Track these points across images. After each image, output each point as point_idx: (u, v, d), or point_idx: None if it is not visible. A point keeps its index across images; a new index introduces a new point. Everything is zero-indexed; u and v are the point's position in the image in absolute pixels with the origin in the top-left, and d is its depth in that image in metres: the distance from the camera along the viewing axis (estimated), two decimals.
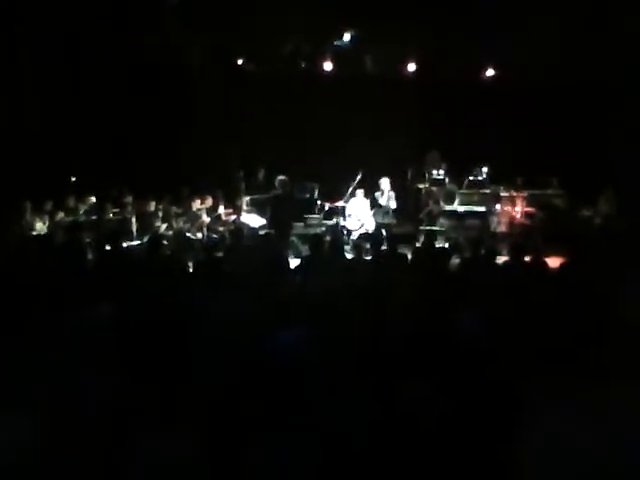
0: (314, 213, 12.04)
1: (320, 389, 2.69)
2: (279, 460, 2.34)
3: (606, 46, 10.96)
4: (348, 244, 10.68)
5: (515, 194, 12.02)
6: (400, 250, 7.40)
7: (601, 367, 2.42)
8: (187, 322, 3.66)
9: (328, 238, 8.75)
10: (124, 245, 9.07)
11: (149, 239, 7.53)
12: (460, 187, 12.23)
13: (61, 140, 12.24)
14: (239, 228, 10.46)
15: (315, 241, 7.01)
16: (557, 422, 2.10)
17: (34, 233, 9.82)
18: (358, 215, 11.69)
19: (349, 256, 7.81)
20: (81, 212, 10.92)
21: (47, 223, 10.27)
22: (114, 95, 12.87)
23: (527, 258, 6.14)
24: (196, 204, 11.33)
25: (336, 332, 3.31)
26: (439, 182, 12.49)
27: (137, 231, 10.47)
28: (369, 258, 7.09)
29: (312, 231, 10.99)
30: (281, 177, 10.91)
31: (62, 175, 12.27)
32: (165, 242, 9.61)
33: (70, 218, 10.53)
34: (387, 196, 11.63)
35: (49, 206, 10.61)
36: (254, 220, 11.28)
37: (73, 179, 12.49)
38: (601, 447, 2.03)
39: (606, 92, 11.89)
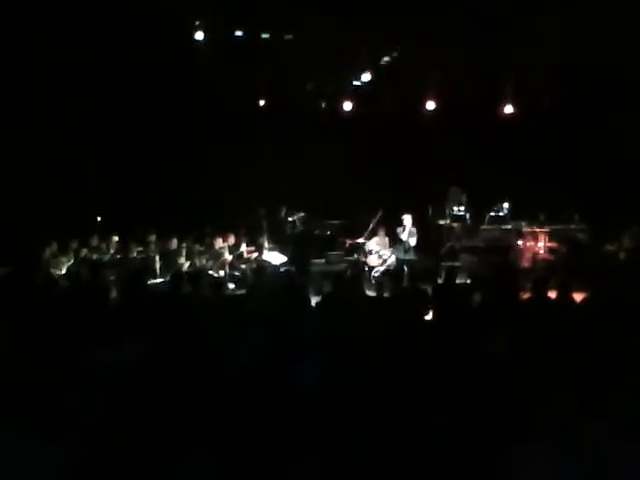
0: (335, 250, 12.07)
1: (342, 423, 2.69)
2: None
3: (630, 76, 10.97)
4: (369, 281, 10.67)
5: (537, 229, 11.95)
6: (421, 286, 7.38)
7: (623, 404, 2.40)
8: (210, 359, 3.69)
9: (349, 275, 8.76)
10: (148, 283, 9.16)
11: (171, 276, 7.60)
12: (482, 223, 12.21)
13: (86, 180, 12.49)
14: (261, 266, 10.53)
15: (336, 278, 7.02)
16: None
17: (59, 272, 9.97)
18: (379, 252, 11.70)
19: (370, 293, 7.80)
20: (105, 251, 11.07)
21: (72, 262, 10.42)
22: (139, 136, 13.15)
23: (550, 294, 6.09)
24: (218, 242, 11.44)
25: (357, 368, 3.31)
26: (460, 218, 12.49)
27: (160, 269, 10.57)
28: (390, 294, 7.07)
29: (333, 268, 11.02)
30: (301, 214, 11.02)
31: (87, 215, 12.49)
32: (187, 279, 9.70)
33: (95, 256, 10.68)
34: (408, 232, 11.63)
35: (74, 245, 10.77)
36: (276, 258, 11.34)
37: (98, 219, 12.70)
38: None
39: (630, 126, 11.86)
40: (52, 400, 2.73)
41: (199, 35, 11.41)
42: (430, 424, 2.67)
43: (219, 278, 10.61)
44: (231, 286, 10.73)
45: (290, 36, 11.57)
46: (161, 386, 3.05)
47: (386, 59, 12.75)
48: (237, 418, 2.73)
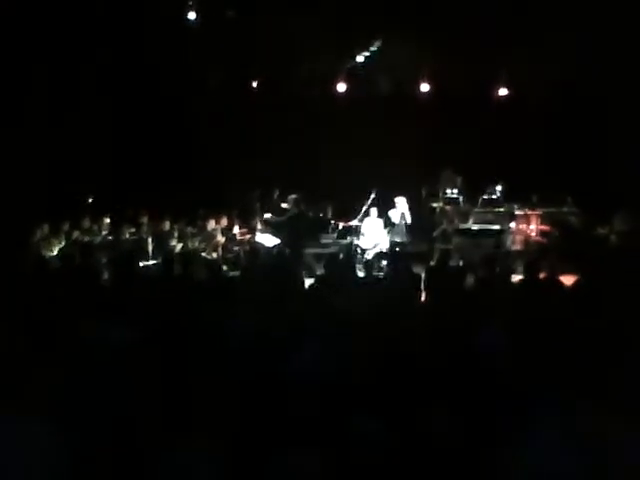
0: (328, 232, 12.06)
1: (334, 405, 2.70)
2: (294, 476, 2.35)
3: (623, 61, 10.96)
4: (362, 263, 10.68)
5: (530, 212, 11.98)
6: (414, 269, 7.39)
7: (614, 388, 2.41)
8: (203, 341, 3.68)
9: (342, 257, 8.76)
10: (140, 265, 9.13)
11: (163, 259, 7.58)
12: (474, 205, 12.21)
13: (77, 161, 12.41)
14: (254, 248, 10.51)
15: (329, 260, 7.02)
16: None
17: (51, 254, 9.92)
18: (372, 234, 11.69)
19: (362, 274, 7.81)
20: (97, 232, 11.02)
21: (63, 243, 10.36)
22: (130, 117, 13.06)
23: (542, 276, 6.11)
24: (211, 224, 11.41)
25: (350, 350, 3.32)
26: (453, 201, 12.49)
27: (152, 251, 10.54)
28: (382, 276, 7.09)
29: (326, 250, 11.02)
30: (293, 196, 10.97)
31: (78, 196, 12.42)
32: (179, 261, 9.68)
33: (87, 238, 10.63)
34: (401, 215, 11.63)
35: (66, 227, 10.72)
36: (269, 240, 11.33)
37: (90, 200, 12.63)
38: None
39: (623, 109, 11.85)
40: (43, 384, 2.72)
41: (191, 15, 11.30)
42: (429, 412, 2.68)
43: (214, 261, 10.60)
44: (224, 268, 10.72)
45: (283, 17, 11.45)
46: (154, 371, 3.05)
47: (380, 41, 12.67)
48: (233, 405, 2.73)
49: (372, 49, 12.82)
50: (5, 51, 10.40)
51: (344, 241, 11.81)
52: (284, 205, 11.80)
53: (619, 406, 2.23)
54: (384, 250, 11.35)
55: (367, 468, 2.43)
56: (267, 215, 11.90)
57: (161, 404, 2.78)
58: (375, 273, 7.33)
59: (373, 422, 2.59)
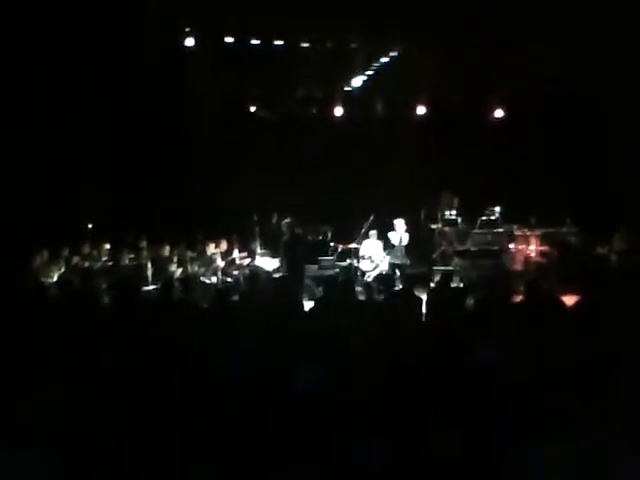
0: (327, 255, 12.07)
1: (334, 428, 2.68)
2: None
3: (622, 80, 11.03)
4: (362, 285, 10.66)
5: (529, 233, 11.99)
6: (414, 290, 7.38)
7: (615, 406, 2.40)
8: (202, 366, 3.66)
9: (341, 279, 8.75)
10: (141, 290, 9.11)
11: (162, 284, 7.56)
12: (473, 227, 12.24)
13: (77, 187, 12.45)
14: (253, 272, 10.50)
15: (328, 283, 7.01)
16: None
17: (50, 280, 9.90)
18: (371, 256, 11.70)
19: (362, 297, 7.79)
20: (97, 258, 11.00)
21: (63, 269, 10.35)
22: (129, 142, 13.12)
23: (542, 296, 6.09)
24: (210, 248, 11.41)
25: (351, 372, 3.30)
26: (452, 222, 12.51)
27: (152, 276, 10.52)
28: (382, 298, 7.07)
29: (326, 273, 11.01)
30: (287, 220, 11.00)
31: (78, 222, 12.44)
32: (179, 286, 9.66)
33: (87, 264, 10.62)
34: (400, 237, 11.64)
35: (65, 252, 10.71)
36: (268, 263, 11.32)
37: (89, 225, 12.65)
38: None
39: (621, 128, 11.92)
40: (41, 410, 2.71)
41: (189, 41, 11.42)
42: (429, 429, 2.67)
43: (219, 285, 10.58)
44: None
45: (281, 42, 11.58)
46: (154, 397, 3.03)
47: (376, 65, 12.80)
48: (234, 427, 2.72)
49: (368, 72, 12.93)
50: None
51: (343, 263, 11.81)
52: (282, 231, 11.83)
53: (619, 424, 2.22)
54: (384, 272, 11.34)
55: None
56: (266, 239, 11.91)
57: (162, 429, 2.76)
58: (375, 295, 7.30)
59: (375, 443, 2.57)
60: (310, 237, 12.14)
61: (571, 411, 2.32)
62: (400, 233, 11.64)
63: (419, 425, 2.76)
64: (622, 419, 2.27)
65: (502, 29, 10.29)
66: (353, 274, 11.21)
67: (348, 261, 11.79)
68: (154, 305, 7.08)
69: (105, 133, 12.93)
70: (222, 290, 7.76)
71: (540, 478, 2.10)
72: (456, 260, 11.80)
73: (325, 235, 12.47)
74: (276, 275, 10.77)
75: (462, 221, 12.50)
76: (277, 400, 2.94)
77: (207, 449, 2.54)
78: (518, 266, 11.77)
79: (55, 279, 9.97)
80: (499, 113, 13.40)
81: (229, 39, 11.63)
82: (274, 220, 12.74)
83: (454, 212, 12.61)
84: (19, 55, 10.54)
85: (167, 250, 11.24)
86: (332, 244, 12.17)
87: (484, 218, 12.24)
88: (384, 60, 12.52)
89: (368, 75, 13.08)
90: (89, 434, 2.71)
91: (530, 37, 10.44)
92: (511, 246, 11.95)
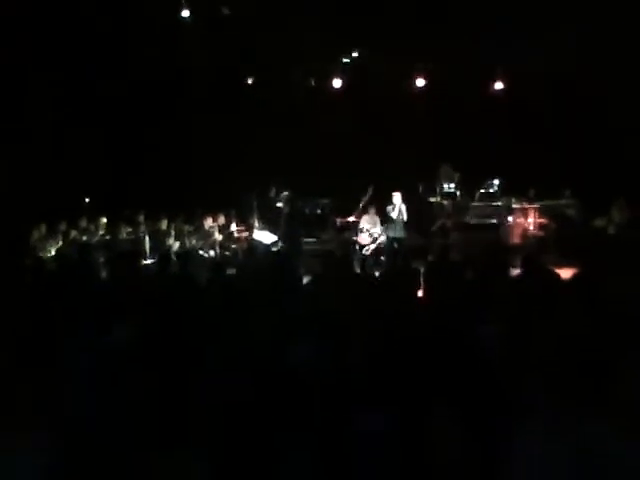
0: (326, 229, 12.05)
1: (331, 401, 2.69)
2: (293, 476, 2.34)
3: (620, 54, 10.95)
4: (360, 259, 10.67)
5: (527, 205, 11.97)
6: (413, 264, 7.38)
7: (612, 382, 2.40)
8: (200, 339, 3.67)
9: (340, 253, 8.74)
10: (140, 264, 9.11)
11: (159, 257, 7.56)
12: (472, 200, 12.21)
13: (74, 161, 12.38)
14: (251, 245, 10.49)
15: (326, 257, 7.00)
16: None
17: (48, 254, 9.90)
18: (370, 230, 11.67)
19: (360, 270, 7.80)
20: (94, 232, 10.99)
21: (61, 244, 10.35)
22: (127, 116, 13.03)
23: (540, 269, 6.09)
24: (208, 222, 11.38)
25: (348, 347, 3.31)
26: (451, 195, 12.48)
27: (150, 250, 10.52)
28: (380, 272, 7.08)
29: (324, 247, 11.00)
30: (285, 193, 10.95)
31: (75, 196, 12.40)
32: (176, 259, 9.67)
33: (84, 238, 10.61)
34: (398, 210, 11.59)
35: (63, 227, 10.70)
36: (266, 237, 11.31)
37: (87, 200, 12.62)
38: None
39: (618, 100, 11.84)
40: (38, 388, 2.71)
41: (185, 13, 11.30)
42: (428, 408, 2.68)
43: (217, 258, 10.57)
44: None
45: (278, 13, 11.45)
46: (151, 371, 3.04)
47: (375, 36, 12.64)
48: (231, 403, 2.72)
49: (368, 42, 12.79)
50: (5, 52, 10.38)
51: (342, 237, 11.79)
52: (279, 204, 11.80)
53: (619, 405, 2.22)
54: (382, 246, 11.34)
55: (367, 466, 2.42)
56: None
57: (160, 403, 2.77)
58: (374, 268, 7.33)
59: (373, 419, 2.58)
60: (308, 211, 12.11)
61: (569, 389, 2.32)
62: (398, 206, 11.58)
63: (417, 398, 2.77)
64: (622, 397, 2.27)
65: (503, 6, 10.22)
66: (351, 248, 11.20)
67: (346, 235, 11.78)
68: (152, 278, 7.09)
69: (103, 107, 12.83)
70: (219, 263, 7.74)
71: (536, 451, 2.11)
72: (454, 233, 11.79)
73: (324, 209, 12.45)
74: (274, 249, 10.76)
75: (461, 194, 12.47)
76: (274, 374, 2.94)
77: (204, 424, 2.55)
78: (517, 239, 11.77)
79: (53, 253, 9.98)
80: (499, 85, 13.29)
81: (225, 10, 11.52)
82: (272, 193, 12.69)
83: (453, 185, 12.57)
84: (18, 33, 10.45)
85: (165, 224, 11.23)
86: (330, 218, 12.15)
87: (483, 191, 12.21)
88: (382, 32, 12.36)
89: (366, 47, 12.94)
90: (87, 408, 2.72)
91: (531, 15, 10.36)
92: (510, 219, 11.93)
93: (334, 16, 11.38)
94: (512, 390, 2.69)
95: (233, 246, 11.38)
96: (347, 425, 2.66)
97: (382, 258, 10.34)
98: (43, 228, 10.43)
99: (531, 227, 11.87)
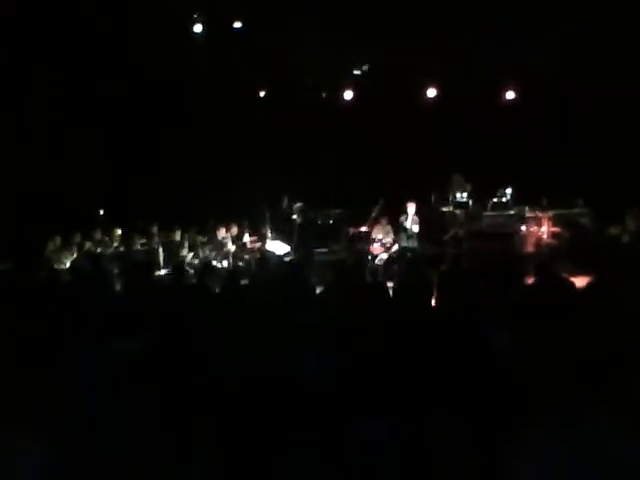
0: (338, 239, 12.05)
1: (345, 412, 2.69)
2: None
3: (633, 60, 10.91)
4: (373, 269, 10.65)
5: (540, 214, 11.92)
6: (426, 273, 7.35)
7: (624, 389, 2.39)
8: (213, 350, 3.68)
9: (352, 263, 8.73)
10: (154, 274, 9.16)
11: (173, 268, 7.60)
12: (485, 209, 12.17)
13: (89, 174, 12.49)
14: (264, 256, 10.51)
15: (339, 267, 7.00)
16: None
17: (63, 266, 9.97)
18: (382, 240, 11.66)
19: (372, 280, 7.79)
20: (109, 244, 11.07)
21: (75, 255, 10.42)
22: (140, 129, 13.13)
23: (554, 278, 6.06)
24: (221, 233, 11.43)
25: (360, 357, 3.31)
26: (463, 205, 12.45)
27: (164, 260, 10.57)
28: (394, 282, 7.06)
29: (336, 257, 11.00)
30: (299, 204, 10.97)
31: (90, 208, 12.50)
32: (191, 270, 9.72)
33: (99, 249, 10.69)
34: (411, 220, 11.57)
35: (78, 238, 10.78)
36: (279, 247, 11.33)
37: (101, 211, 12.72)
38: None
39: (632, 108, 11.79)
40: (49, 396, 2.73)
41: (197, 28, 11.40)
42: (434, 416, 2.67)
43: (230, 270, 10.60)
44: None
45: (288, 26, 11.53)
46: (164, 381, 3.05)
47: (385, 47, 12.68)
48: (240, 411, 2.73)
49: (379, 54, 12.83)
50: (10, 55, 10.49)
51: (354, 248, 11.78)
52: (293, 216, 11.84)
53: (632, 410, 2.21)
54: (395, 255, 11.31)
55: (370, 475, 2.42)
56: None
57: (172, 412, 2.78)
58: (386, 279, 7.31)
59: (378, 427, 2.58)
60: (321, 221, 12.13)
61: (584, 396, 2.31)
62: (411, 216, 11.57)
63: (430, 407, 2.77)
64: (633, 403, 2.26)
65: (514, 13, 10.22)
66: (364, 258, 11.18)
67: (359, 245, 11.77)
68: (166, 290, 7.12)
69: (116, 118, 12.95)
70: (233, 273, 7.77)
71: (544, 460, 2.11)
72: (467, 242, 11.74)
73: (336, 219, 12.46)
74: (287, 259, 10.77)
75: (473, 203, 12.43)
76: (285, 384, 2.95)
77: (212, 432, 2.56)
78: (530, 248, 11.70)
79: (67, 265, 10.05)
80: (510, 95, 13.27)
81: (237, 24, 11.61)
82: (285, 204, 12.73)
83: (465, 194, 12.54)
84: (27, 43, 10.56)
85: (178, 235, 11.29)
86: (343, 228, 12.16)
87: (495, 200, 12.17)
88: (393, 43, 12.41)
89: (378, 58, 12.97)
90: (99, 419, 2.74)
91: (542, 21, 10.35)
92: (523, 228, 11.87)
93: (344, 26, 11.43)
94: (525, 398, 2.68)
95: (246, 257, 11.41)
96: (353, 433, 2.66)
97: (395, 268, 10.30)
98: (58, 240, 10.51)
99: (544, 236, 11.80)
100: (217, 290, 7.01)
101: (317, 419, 2.64)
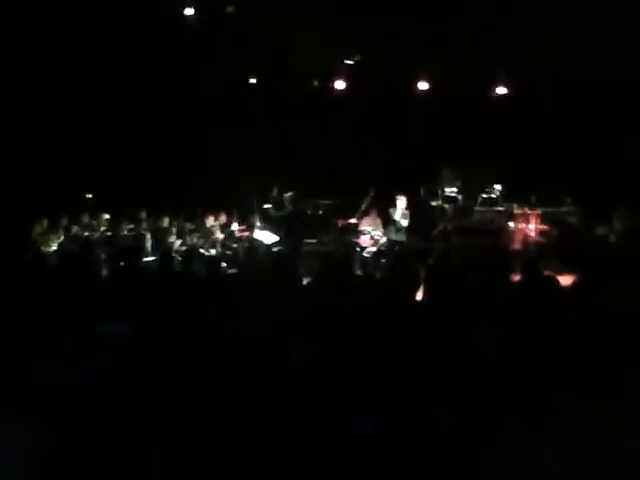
0: (327, 230, 12.05)
1: (331, 403, 2.70)
2: (289, 473, 2.35)
3: (623, 59, 10.95)
4: (361, 261, 10.67)
5: (529, 212, 11.98)
6: (413, 267, 7.37)
7: (611, 387, 2.41)
8: (199, 337, 3.68)
9: (340, 255, 8.74)
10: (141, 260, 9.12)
11: (160, 255, 7.58)
12: (474, 204, 12.22)
13: (77, 157, 12.40)
14: (252, 245, 10.51)
15: (327, 258, 7.01)
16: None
17: (49, 249, 9.91)
18: (371, 232, 11.67)
19: (360, 272, 7.81)
20: (96, 228, 11.02)
21: (62, 239, 10.36)
22: (129, 114, 13.05)
23: (540, 276, 6.10)
24: (210, 220, 11.41)
25: (347, 348, 3.32)
26: (452, 200, 12.49)
27: (151, 247, 10.54)
28: (381, 274, 7.08)
29: (325, 248, 11.01)
30: (289, 194, 10.95)
31: (78, 191, 12.42)
32: (178, 257, 9.68)
33: (86, 234, 10.63)
34: (400, 213, 11.60)
35: (65, 222, 10.71)
36: (267, 237, 11.32)
37: (89, 195, 12.64)
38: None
39: (621, 106, 11.85)
40: (38, 381, 2.72)
41: (189, 11, 11.31)
42: (427, 406, 2.68)
43: (214, 256, 10.58)
44: (223, 265, 10.71)
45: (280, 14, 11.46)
46: (150, 366, 3.05)
47: (377, 38, 12.65)
48: (228, 402, 2.73)
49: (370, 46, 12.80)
50: (7, 49, 10.42)
51: (343, 239, 11.79)
52: (283, 205, 11.83)
53: (619, 408, 2.23)
54: (383, 248, 11.33)
55: (366, 468, 2.43)
56: (267, 206, 11.88)
57: (159, 401, 2.78)
58: (374, 271, 7.33)
59: (370, 421, 2.59)
60: (310, 212, 12.12)
61: (568, 394, 2.33)
62: (401, 209, 11.60)
63: (415, 401, 2.78)
64: (623, 403, 2.28)
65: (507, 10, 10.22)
66: (352, 250, 11.20)
67: (347, 237, 11.78)
68: (153, 276, 7.10)
69: (106, 104, 12.85)
70: (217, 260, 7.76)
71: (535, 456, 2.12)
72: (456, 237, 11.79)
73: (325, 210, 12.45)
74: (275, 249, 10.77)
75: (462, 199, 12.48)
76: (272, 375, 2.95)
77: (200, 421, 2.56)
78: (517, 245, 11.78)
79: (54, 248, 9.99)
80: (501, 90, 13.29)
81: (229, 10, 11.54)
82: (274, 194, 12.71)
83: (455, 189, 12.58)
84: (24, 34, 10.49)
85: (166, 222, 11.26)
86: (332, 219, 12.16)
87: (484, 196, 12.22)
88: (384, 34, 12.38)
89: (368, 49, 12.94)
90: (86, 402, 2.73)
91: (534, 18, 10.36)
92: (511, 224, 11.94)
93: (336, 16, 11.39)
94: (511, 395, 2.70)
95: (234, 245, 11.39)
96: (343, 428, 2.68)
97: (383, 260, 10.33)
98: (45, 223, 10.44)
99: (532, 233, 11.88)
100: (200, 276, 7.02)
101: (304, 411, 2.64)
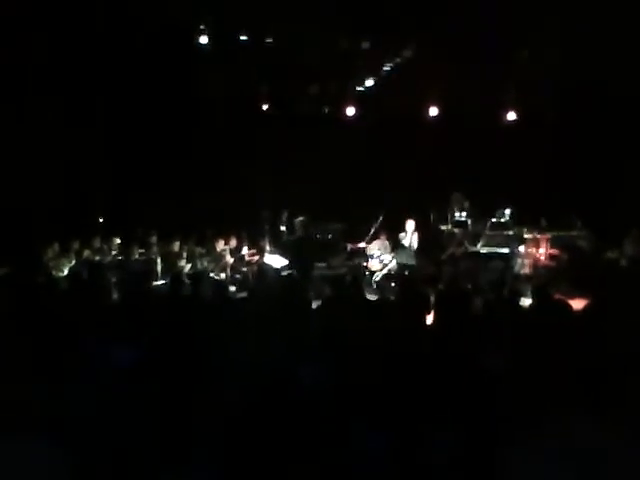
0: (336, 254, 12.06)
1: (337, 425, 2.69)
2: None
3: (632, 81, 10.98)
4: (370, 285, 10.66)
5: (539, 236, 11.95)
6: (423, 291, 7.35)
7: (623, 412, 2.40)
8: (209, 361, 3.68)
9: (350, 279, 8.73)
10: (152, 284, 9.15)
11: (170, 278, 7.59)
12: (483, 229, 12.20)
13: (88, 181, 12.52)
14: (262, 269, 10.52)
15: (337, 282, 7.01)
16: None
17: (61, 273, 9.95)
18: (380, 256, 11.67)
19: (371, 297, 7.78)
20: (107, 252, 11.06)
21: (73, 263, 10.40)
22: (141, 138, 13.18)
23: (551, 300, 6.06)
24: (220, 245, 11.44)
25: (355, 372, 3.31)
26: (462, 224, 12.48)
27: (162, 271, 10.56)
28: (392, 299, 7.07)
29: (334, 272, 11.01)
30: (300, 218, 10.98)
31: (89, 216, 12.52)
32: (188, 281, 9.70)
33: (97, 258, 10.68)
34: (410, 237, 11.59)
35: (76, 246, 10.77)
36: (277, 261, 11.34)
37: (100, 220, 12.73)
38: None
39: (632, 130, 11.85)
40: (48, 404, 2.73)
41: (203, 39, 11.47)
42: (431, 432, 2.67)
43: (221, 280, 10.60)
44: (232, 289, 10.72)
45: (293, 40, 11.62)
46: (158, 390, 3.05)
47: (389, 65, 12.79)
48: (237, 423, 2.73)
49: (381, 72, 12.93)
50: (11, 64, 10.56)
51: (352, 263, 11.79)
52: (284, 228, 11.87)
53: (626, 429, 2.21)
54: (392, 272, 11.32)
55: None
56: (282, 228, 11.91)
57: (167, 424, 2.78)
58: (383, 295, 7.32)
59: (378, 442, 2.58)
60: (319, 236, 12.15)
61: (579, 418, 2.32)
62: (410, 234, 11.59)
63: (421, 424, 2.77)
64: (630, 425, 2.26)
65: (514, 33, 10.30)
66: (361, 274, 11.19)
67: (357, 261, 11.78)
68: (163, 300, 7.11)
69: (117, 128, 13.00)
70: (221, 284, 7.78)
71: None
72: (465, 262, 11.76)
73: (334, 234, 12.47)
74: (284, 273, 10.78)
75: (472, 223, 12.47)
76: (281, 398, 2.95)
77: (207, 443, 2.56)
78: (528, 269, 11.72)
79: (66, 272, 10.03)
80: (511, 115, 13.35)
81: (243, 37, 11.69)
82: (284, 218, 12.76)
83: (464, 214, 12.57)
84: (32, 51, 10.63)
85: (177, 246, 11.29)
86: (341, 243, 12.18)
87: (494, 220, 12.21)
88: (397, 61, 12.52)
89: (380, 76, 13.08)
90: (94, 428, 2.74)
91: (542, 40, 10.43)
92: (521, 249, 11.90)
93: (348, 39, 11.53)
94: (519, 420, 2.68)
95: (244, 269, 11.41)
96: (351, 450, 2.67)
97: (392, 284, 10.30)
98: (56, 247, 10.50)
99: (542, 257, 11.83)
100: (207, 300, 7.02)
101: (313, 431, 2.64)
